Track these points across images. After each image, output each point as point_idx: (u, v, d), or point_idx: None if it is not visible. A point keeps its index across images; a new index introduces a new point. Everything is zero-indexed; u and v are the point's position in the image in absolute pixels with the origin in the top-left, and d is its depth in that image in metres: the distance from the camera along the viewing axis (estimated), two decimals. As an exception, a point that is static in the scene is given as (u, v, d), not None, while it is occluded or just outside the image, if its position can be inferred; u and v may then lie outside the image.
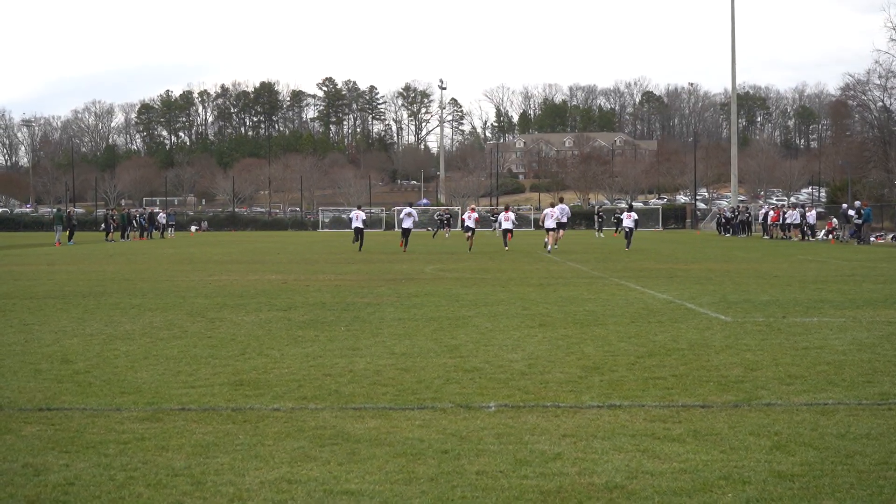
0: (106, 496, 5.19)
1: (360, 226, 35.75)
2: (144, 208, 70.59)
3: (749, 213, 58.40)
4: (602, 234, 57.14)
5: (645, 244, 41.49)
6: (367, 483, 5.39)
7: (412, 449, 6.08)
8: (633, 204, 75.36)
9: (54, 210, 50.78)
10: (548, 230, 34.02)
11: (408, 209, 36.31)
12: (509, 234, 37.25)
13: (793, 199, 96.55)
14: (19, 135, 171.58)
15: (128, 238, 53.29)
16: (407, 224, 35.26)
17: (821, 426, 6.62)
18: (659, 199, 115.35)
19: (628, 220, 36.43)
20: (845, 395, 7.66)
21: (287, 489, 5.29)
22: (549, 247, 33.69)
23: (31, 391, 8.04)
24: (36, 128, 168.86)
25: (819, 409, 7.16)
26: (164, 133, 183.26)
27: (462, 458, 5.88)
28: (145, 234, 56.31)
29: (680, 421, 6.82)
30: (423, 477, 5.50)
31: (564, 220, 35.46)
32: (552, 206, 36.30)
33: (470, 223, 36.16)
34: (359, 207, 40.26)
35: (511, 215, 38.00)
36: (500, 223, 38.12)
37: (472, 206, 43.37)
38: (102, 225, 52.28)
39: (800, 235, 48.05)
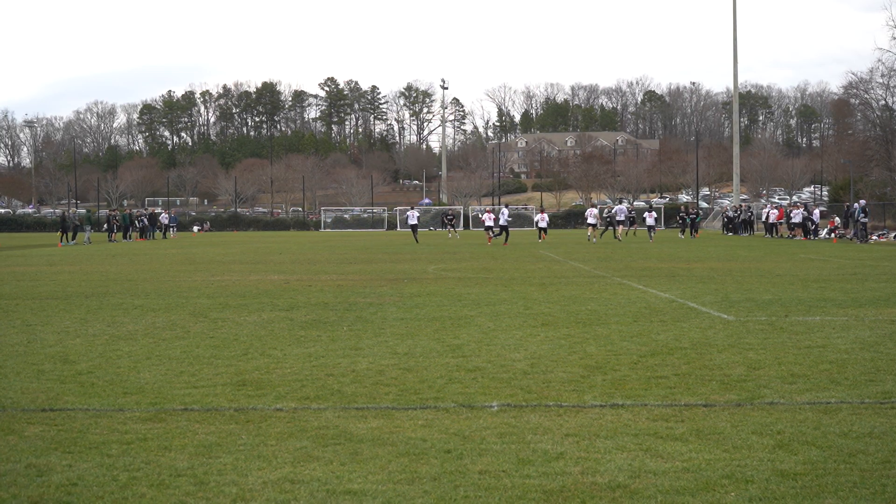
0: (109, 497, 5.20)
1: (415, 222, 45.66)
2: (146, 209, 70.63)
3: (752, 213, 58.30)
4: (684, 236, 51.31)
5: (647, 243, 41.48)
6: (369, 483, 5.39)
7: (415, 449, 6.09)
8: (637, 203, 75.71)
9: (82, 211, 51.43)
10: (589, 226, 43.30)
11: (504, 208, 44.63)
12: (544, 234, 44.41)
13: (794, 198, 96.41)
14: (21, 135, 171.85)
15: (130, 238, 53.36)
16: (503, 221, 41.61)
17: (823, 425, 6.62)
18: (661, 198, 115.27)
19: (650, 219, 45.01)
20: (848, 394, 7.66)
21: (290, 489, 5.29)
22: (592, 238, 42.30)
23: (33, 392, 8.05)
24: (38, 128, 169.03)
25: (822, 408, 7.16)
26: (167, 133, 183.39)
27: (465, 457, 5.88)
28: (146, 234, 56.34)
29: (683, 420, 6.82)
30: (425, 477, 5.50)
31: (593, 221, 44.29)
32: (594, 206, 47.68)
33: (489, 223, 43.56)
34: (412, 207, 51.54)
35: (545, 216, 45.92)
36: (536, 223, 45.19)
37: (489, 207, 50.77)
38: (105, 225, 52.28)
39: (804, 234, 47.96)
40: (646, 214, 46.38)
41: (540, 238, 43.41)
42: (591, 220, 43.79)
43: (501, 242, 40.93)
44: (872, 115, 66.28)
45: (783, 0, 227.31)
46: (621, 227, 45.44)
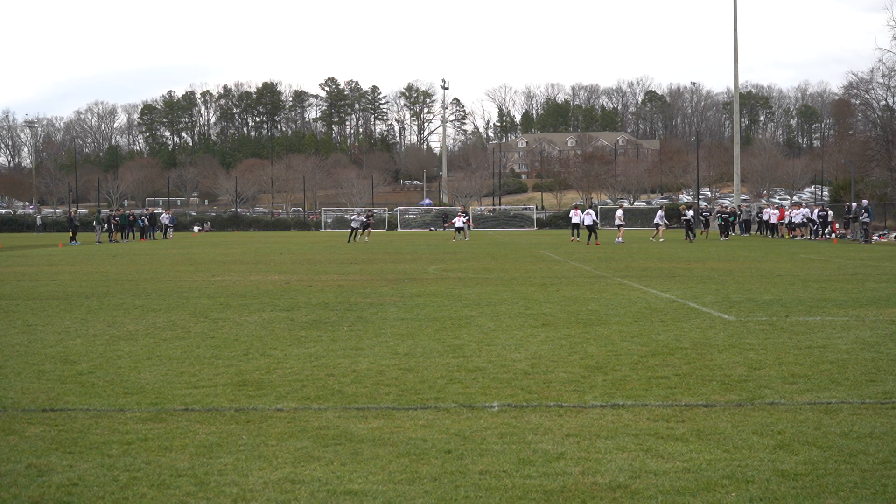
0: (109, 497, 5.20)
1: (357, 226, 47.04)
2: (147, 209, 70.67)
3: (759, 213, 58.11)
4: (726, 238, 46.79)
5: (647, 243, 41.46)
6: (370, 483, 5.39)
7: (415, 449, 6.09)
8: (637, 203, 75.81)
9: (83, 211, 52.30)
10: (618, 227, 43.66)
11: (589, 209, 43.53)
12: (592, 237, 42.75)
13: (794, 199, 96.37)
14: (22, 136, 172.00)
15: (130, 239, 53.37)
16: (576, 220, 42.89)
17: (824, 425, 6.62)
18: (662, 198, 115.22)
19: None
20: (849, 395, 7.66)
21: (290, 489, 5.29)
22: (620, 239, 41.95)
23: (34, 392, 8.05)
24: (39, 129, 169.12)
25: (822, 409, 7.16)
26: (167, 134, 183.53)
27: (465, 457, 5.88)
28: (146, 234, 56.33)
29: (683, 420, 6.82)
30: (426, 477, 5.50)
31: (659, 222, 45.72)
32: (621, 207, 48.87)
33: (460, 224, 48.28)
34: (358, 214, 51.23)
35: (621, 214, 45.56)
36: (583, 221, 43.08)
37: (461, 212, 51.79)
38: (105, 226, 52.33)
39: (808, 234, 47.85)
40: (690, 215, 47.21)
41: (585, 240, 41.39)
42: (618, 222, 44.21)
43: (585, 241, 41.21)
44: (873, 115, 66.24)
45: (784, 0, 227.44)
46: (661, 229, 45.41)
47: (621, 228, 43.62)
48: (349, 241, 45.62)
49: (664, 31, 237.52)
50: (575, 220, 44.47)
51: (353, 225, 47.69)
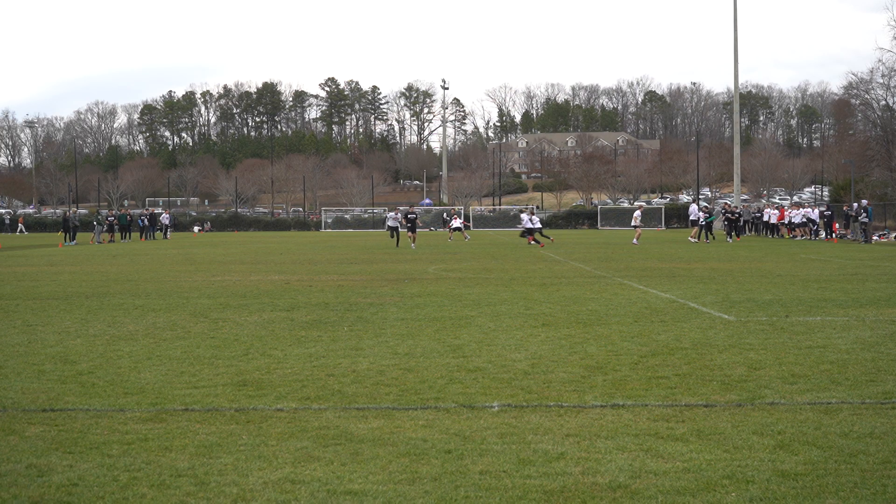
0: (109, 497, 5.20)
1: (395, 225, 41.45)
2: (146, 209, 70.70)
3: (759, 213, 58.03)
4: (732, 240, 44.56)
5: (647, 244, 41.46)
6: (370, 483, 5.39)
7: (415, 449, 6.09)
8: (641, 203, 75.66)
9: (83, 211, 52.22)
10: (635, 227, 43.43)
11: (533, 215, 43.00)
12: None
13: (794, 199, 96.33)
14: (22, 136, 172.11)
15: (127, 239, 53.37)
16: (530, 225, 40.83)
17: (824, 425, 6.62)
18: (662, 198, 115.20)
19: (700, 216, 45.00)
20: (849, 395, 7.66)
21: (290, 489, 5.29)
22: (636, 241, 40.83)
23: (34, 392, 8.05)
24: (39, 129, 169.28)
25: (822, 409, 7.16)
26: (167, 134, 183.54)
27: (465, 457, 5.88)
28: (146, 234, 56.33)
29: (683, 420, 6.82)
30: (426, 477, 5.50)
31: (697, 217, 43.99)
32: (640, 208, 49.56)
33: (456, 224, 49.10)
34: (395, 213, 43.46)
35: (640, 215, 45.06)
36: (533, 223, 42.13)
37: (455, 213, 52.17)
38: (105, 226, 52.33)
39: (808, 234, 47.85)
40: (699, 214, 46.49)
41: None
42: (635, 222, 43.80)
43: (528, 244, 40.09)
44: (873, 115, 66.25)
45: (784, 0, 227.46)
46: (696, 227, 43.76)
47: (638, 230, 42.94)
48: (397, 245, 39.56)
49: (664, 31, 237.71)
50: (528, 224, 41.72)
51: (390, 223, 42.65)
